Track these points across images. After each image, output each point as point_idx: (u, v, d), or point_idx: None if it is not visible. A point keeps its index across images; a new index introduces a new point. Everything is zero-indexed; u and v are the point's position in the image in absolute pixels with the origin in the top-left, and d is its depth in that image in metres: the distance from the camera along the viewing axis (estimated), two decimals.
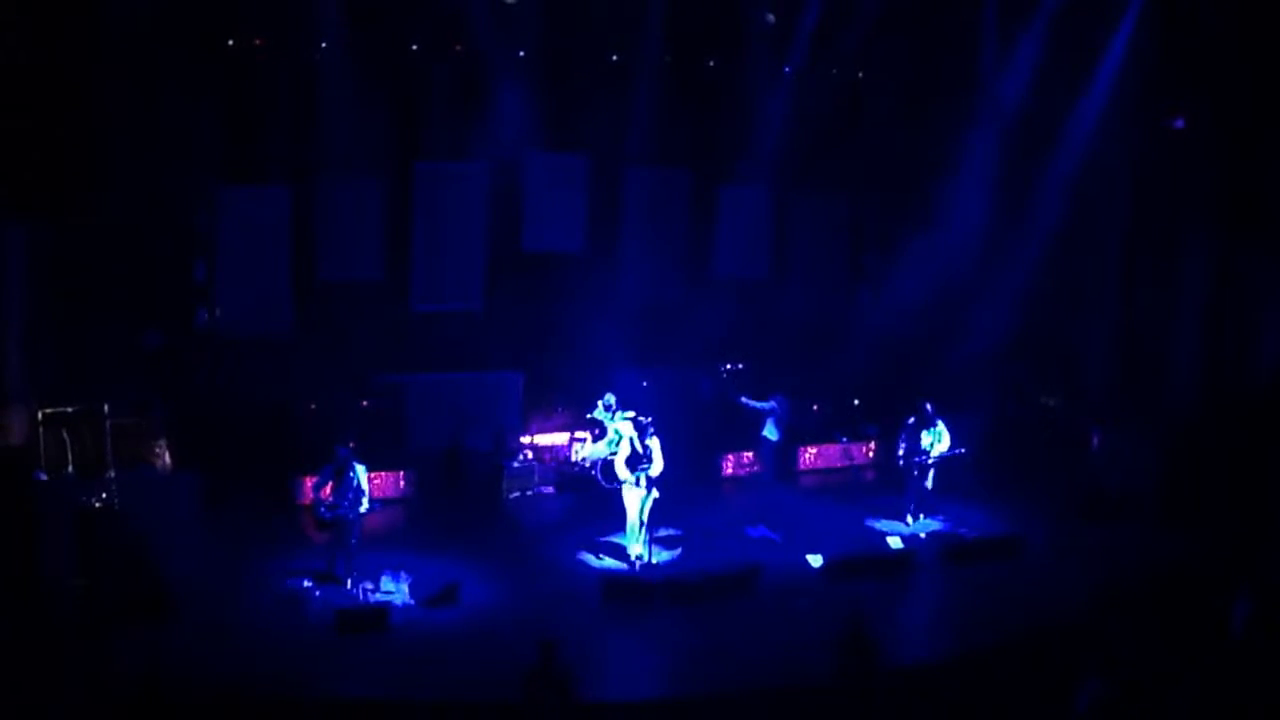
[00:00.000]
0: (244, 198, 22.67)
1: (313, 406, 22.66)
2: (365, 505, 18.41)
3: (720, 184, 26.33)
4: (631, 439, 19.71)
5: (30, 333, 19.83)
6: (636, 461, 19.57)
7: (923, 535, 21.26)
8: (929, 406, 21.29)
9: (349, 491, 18.18)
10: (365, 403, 23.14)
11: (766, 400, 23.17)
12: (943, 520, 21.83)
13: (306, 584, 18.09)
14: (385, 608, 17.44)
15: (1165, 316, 24.38)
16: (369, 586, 18.14)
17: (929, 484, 21.51)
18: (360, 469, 18.29)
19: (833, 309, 27.04)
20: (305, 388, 22.65)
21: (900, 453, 21.58)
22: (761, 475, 23.91)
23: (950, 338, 25.39)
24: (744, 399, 23.28)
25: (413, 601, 17.96)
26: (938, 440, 21.31)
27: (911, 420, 21.47)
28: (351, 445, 18.58)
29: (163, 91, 21.21)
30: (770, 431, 23.04)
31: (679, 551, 20.26)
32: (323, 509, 18.24)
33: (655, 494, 19.50)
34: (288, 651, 16.40)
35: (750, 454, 24.41)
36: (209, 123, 21.97)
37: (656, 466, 19.49)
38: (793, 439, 24.38)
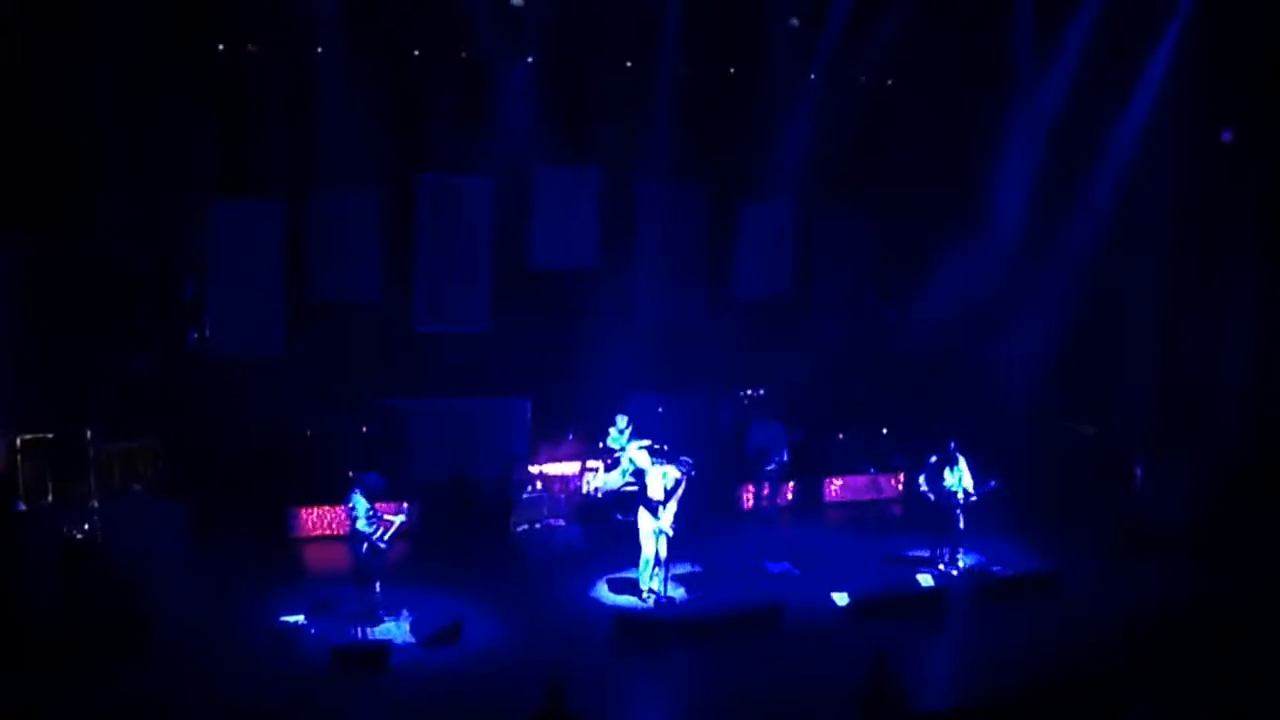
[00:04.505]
0: (236, 213, 22.72)
1: (309, 433, 22.71)
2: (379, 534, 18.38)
3: (741, 200, 26.41)
4: (665, 473, 19.53)
5: (7, 354, 19.83)
6: (668, 496, 19.44)
7: (954, 573, 21.22)
8: (953, 444, 21.20)
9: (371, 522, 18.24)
10: (365, 429, 23.13)
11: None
12: (975, 556, 21.70)
13: (300, 620, 17.99)
14: (385, 646, 17.36)
15: (1210, 341, 24.44)
16: (372, 622, 18.13)
17: (961, 524, 21.28)
18: (357, 499, 18.25)
19: (859, 332, 27.04)
20: (300, 413, 22.67)
21: (924, 487, 21.42)
22: (764, 510, 24.08)
23: (983, 362, 25.39)
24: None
25: (413, 640, 17.88)
26: (962, 479, 21.13)
27: (934, 459, 21.33)
28: (351, 474, 18.59)
29: (151, 101, 21.31)
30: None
31: (696, 588, 20.16)
32: (366, 543, 18.21)
33: (670, 527, 19.42)
34: (278, 692, 16.28)
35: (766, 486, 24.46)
36: (200, 133, 21.99)
37: (668, 515, 19.41)
38: (817, 470, 24.31)
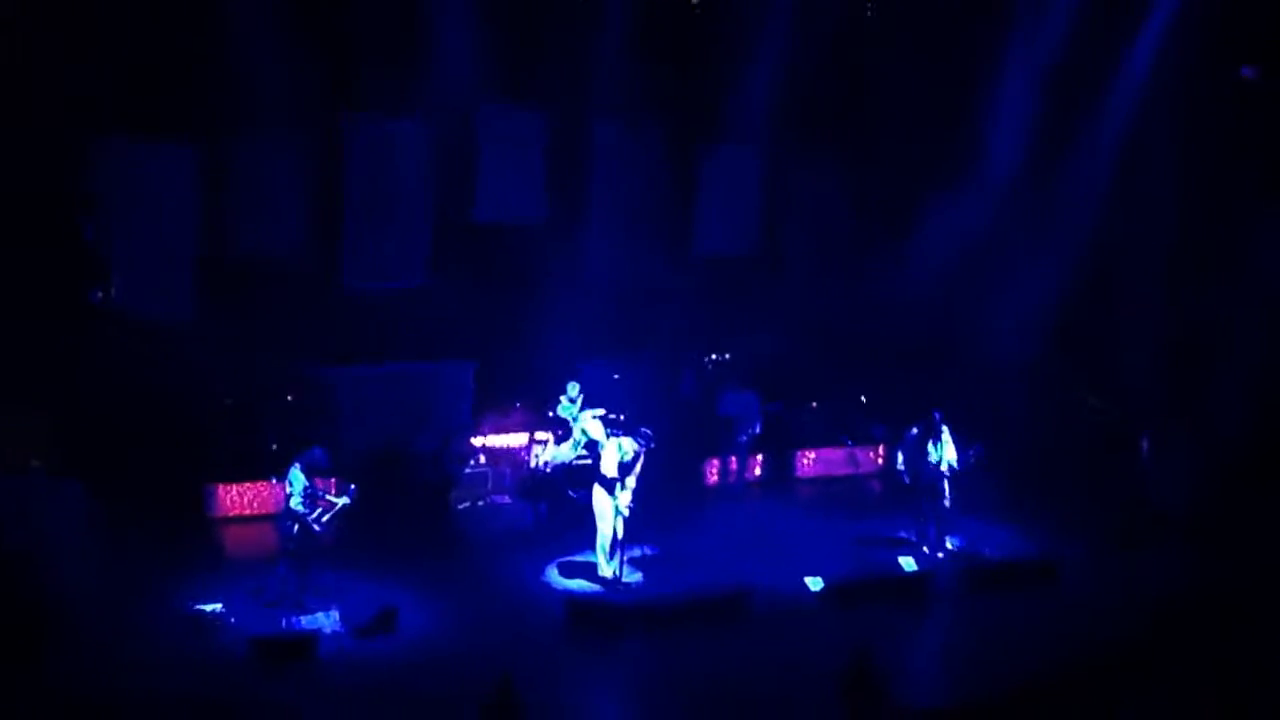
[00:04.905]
0: (139, 155, 22.47)
1: (227, 403, 22.73)
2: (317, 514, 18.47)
3: (703, 144, 26.57)
4: (620, 445, 19.66)
5: None
6: (625, 471, 19.55)
7: (940, 555, 21.36)
8: (938, 415, 21.31)
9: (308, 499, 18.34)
10: (289, 398, 23.16)
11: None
12: (963, 539, 21.88)
13: (218, 609, 17.97)
14: (311, 636, 17.40)
15: (1219, 303, 24.66)
16: (298, 610, 18.22)
17: (946, 500, 21.49)
18: (295, 473, 18.29)
19: (836, 291, 27.01)
20: (217, 381, 22.61)
21: (901, 466, 21.65)
22: (731, 486, 24.30)
23: (973, 324, 25.64)
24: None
25: (343, 629, 17.91)
26: (942, 454, 21.33)
27: (915, 431, 21.49)
28: (275, 447, 18.56)
29: (40, 25, 20.90)
30: None
31: (657, 572, 20.27)
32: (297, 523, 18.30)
33: (627, 505, 19.55)
34: (193, 686, 16.24)
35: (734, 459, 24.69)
36: (96, 64, 21.38)
37: (625, 493, 19.55)
38: (788, 442, 24.45)
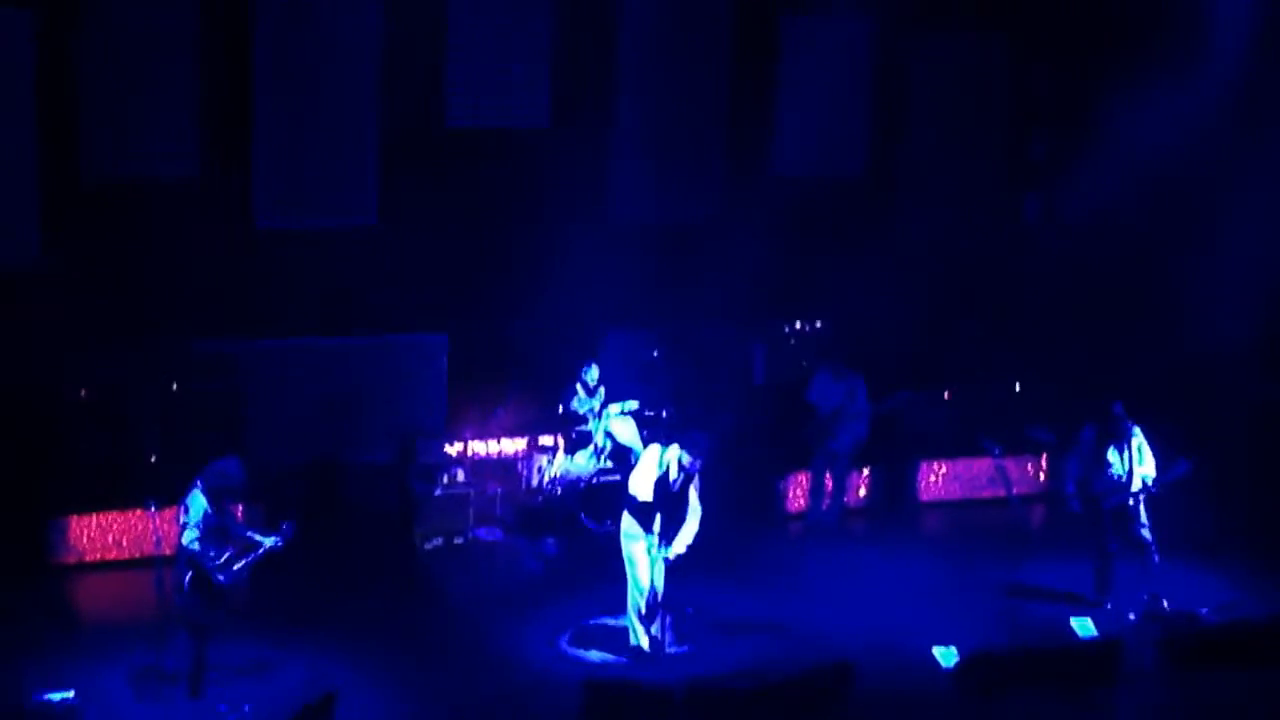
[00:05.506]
0: None
1: (82, 393, 22.83)
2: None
3: (783, 13, 26.87)
4: (663, 458, 19.52)
5: None
6: (668, 495, 19.35)
7: (1131, 617, 21.23)
8: (1119, 409, 21.17)
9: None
10: (175, 385, 23.25)
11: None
12: (1165, 591, 21.63)
13: (69, 697, 17.73)
14: None
15: None
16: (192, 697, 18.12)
17: (1145, 533, 21.38)
18: (194, 497, 18.12)
19: (977, 232, 27.45)
20: (69, 360, 22.62)
21: (1072, 490, 21.63)
22: (823, 514, 24.57)
23: (1176, 285, 25.96)
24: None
25: None
26: (1137, 462, 21.27)
27: (1090, 433, 21.44)
28: (153, 459, 18.63)
29: None
30: None
31: (713, 640, 20.25)
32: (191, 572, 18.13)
33: (673, 545, 19.52)
34: None
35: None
36: None
37: (688, 532, 19.46)
38: (908, 450, 24.74)
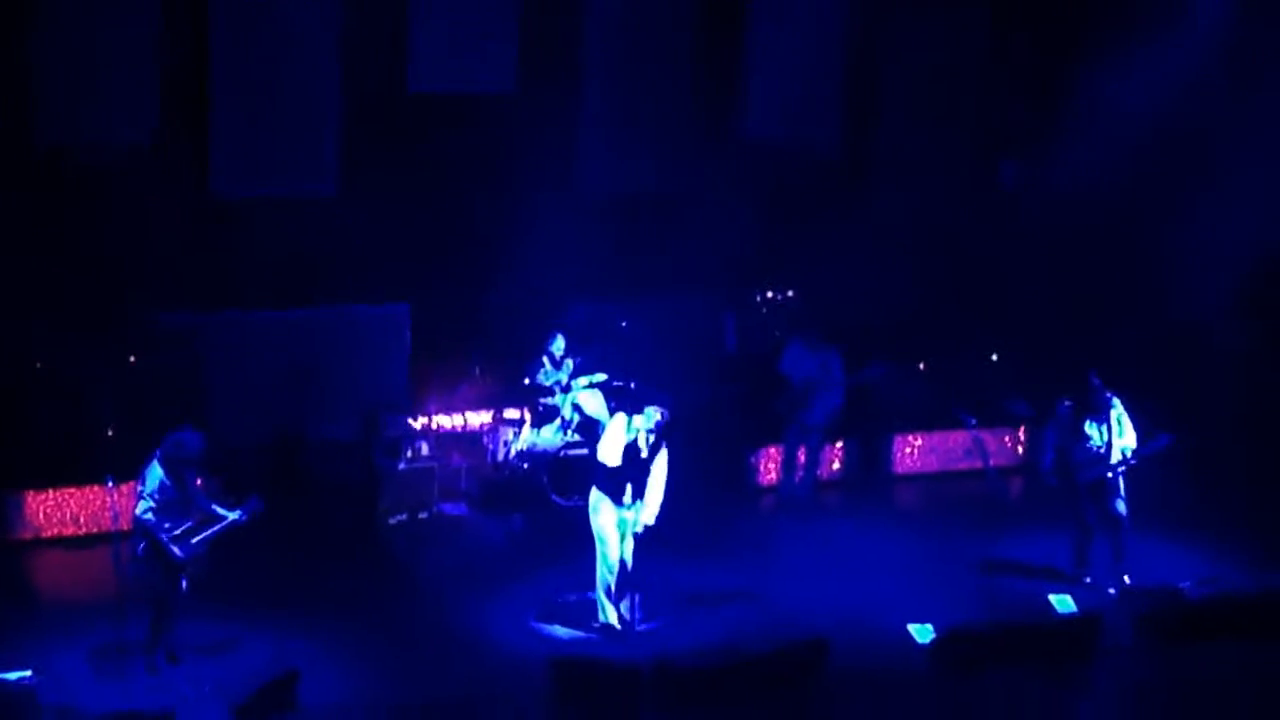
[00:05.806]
0: None
1: (37, 366, 22.78)
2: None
3: None
4: (635, 429, 19.54)
5: None
6: (636, 464, 19.35)
7: (1111, 591, 21.22)
8: (1096, 380, 21.13)
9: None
10: (132, 359, 23.16)
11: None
12: (1144, 566, 21.60)
13: (27, 676, 17.43)
14: (168, 716, 16.84)
15: None
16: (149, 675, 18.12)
17: (1121, 507, 21.31)
18: (152, 469, 18.08)
19: (953, 201, 27.56)
20: (21, 334, 22.51)
21: (1048, 464, 21.62)
22: (796, 488, 24.44)
23: (1158, 255, 25.87)
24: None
25: (219, 706, 17.20)
26: (1116, 434, 21.18)
27: (1068, 404, 21.35)
28: (110, 433, 18.71)
29: None
30: None
31: (684, 616, 20.22)
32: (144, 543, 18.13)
33: (642, 516, 19.48)
34: None
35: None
36: None
37: (653, 499, 19.44)
38: (883, 422, 24.91)
